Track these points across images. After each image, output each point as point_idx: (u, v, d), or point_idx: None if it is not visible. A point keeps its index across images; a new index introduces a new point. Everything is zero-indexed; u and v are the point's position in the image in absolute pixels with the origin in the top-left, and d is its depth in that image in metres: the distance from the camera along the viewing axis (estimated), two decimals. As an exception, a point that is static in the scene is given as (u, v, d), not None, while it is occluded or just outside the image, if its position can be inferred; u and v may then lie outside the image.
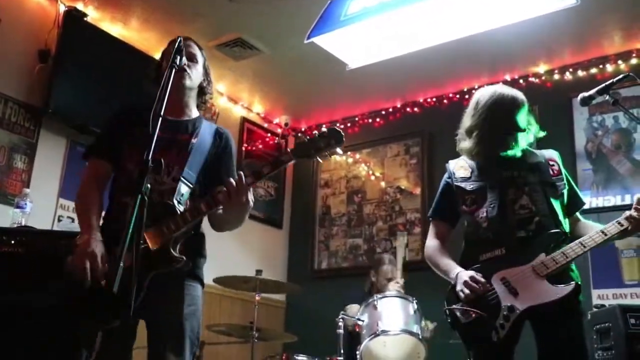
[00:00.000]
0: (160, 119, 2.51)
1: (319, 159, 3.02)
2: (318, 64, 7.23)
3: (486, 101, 3.81)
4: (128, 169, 3.16)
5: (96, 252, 2.93)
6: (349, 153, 8.48)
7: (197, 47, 3.50)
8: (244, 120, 8.42)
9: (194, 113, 3.45)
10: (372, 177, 8.26)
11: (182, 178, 3.15)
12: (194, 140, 3.29)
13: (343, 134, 2.99)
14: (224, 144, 3.42)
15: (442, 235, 3.91)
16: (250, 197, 3.00)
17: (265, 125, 8.67)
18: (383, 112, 8.27)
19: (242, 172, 3.01)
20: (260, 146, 8.48)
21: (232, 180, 3.00)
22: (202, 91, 3.49)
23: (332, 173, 8.63)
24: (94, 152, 3.33)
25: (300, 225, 8.63)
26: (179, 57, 2.85)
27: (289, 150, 3.01)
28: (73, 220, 5.87)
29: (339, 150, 3.20)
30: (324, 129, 2.98)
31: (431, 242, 3.91)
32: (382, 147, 8.29)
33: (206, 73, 3.51)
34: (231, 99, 8.23)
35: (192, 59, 3.40)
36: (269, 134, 8.65)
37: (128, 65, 6.29)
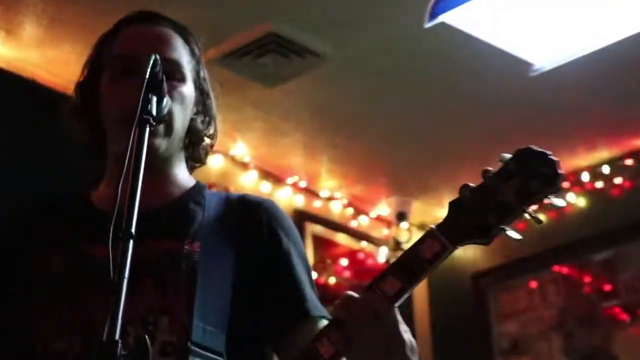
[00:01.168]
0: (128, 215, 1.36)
1: (514, 235, 1.44)
2: (463, 71, 4.46)
3: None
4: (48, 350, 1.67)
5: None
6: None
7: (180, 36, 1.82)
8: (300, 215, 5.35)
9: (185, 180, 1.83)
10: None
11: (192, 347, 1.59)
12: (196, 249, 1.69)
13: (558, 165, 1.43)
14: (266, 229, 1.76)
15: None
16: (403, 325, 1.48)
17: (352, 222, 5.66)
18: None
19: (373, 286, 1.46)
20: (347, 272, 5.58)
21: (350, 295, 1.47)
22: (195, 134, 1.83)
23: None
24: None
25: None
26: (149, 94, 1.51)
27: (435, 229, 1.44)
28: None
29: (556, 201, 1.44)
30: (505, 155, 1.44)
31: None
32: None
33: (202, 93, 1.84)
34: (264, 171, 5.18)
35: (173, 73, 1.73)
36: (362, 242, 5.71)
37: (19, 108, 4.07)
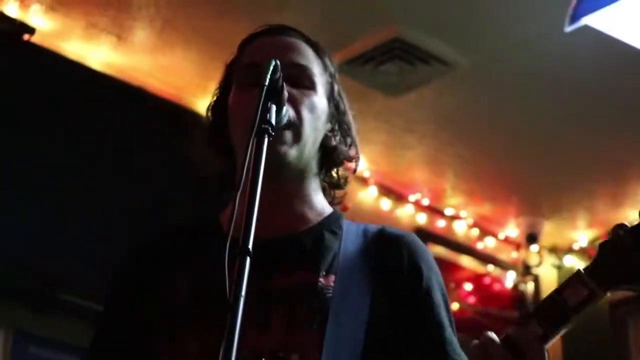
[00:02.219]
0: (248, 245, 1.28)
1: None
2: (606, 78, 4.23)
3: None
4: None
5: None
6: None
7: (311, 48, 1.74)
8: (422, 235, 4.90)
9: (322, 206, 1.74)
10: None
11: None
12: (330, 283, 1.63)
13: None
14: (406, 265, 1.66)
15: None
16: None
17: (478, 243, 5.49)
18: None
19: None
20: (471, 297, 5.52)
21: (491, 339, 1.38)
22: (331, 153, 1.72)
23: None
24: None
25: None
26: (268, 102, 1.45)
27: (582, 273, 1.36)
28: None
29: None
30: None
31: None
32: None
33: (337, 109, 1.73)
34: (384, 186, 5.12)
35: (302, 79, 1.66)
36: (488, 266, 5.55)
37: (130, 118, 4.01)
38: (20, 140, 3.67)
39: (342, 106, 1.71)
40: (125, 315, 1.70)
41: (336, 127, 1.69)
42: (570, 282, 1.36)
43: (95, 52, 3.89)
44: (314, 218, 1.67)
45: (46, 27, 3.73)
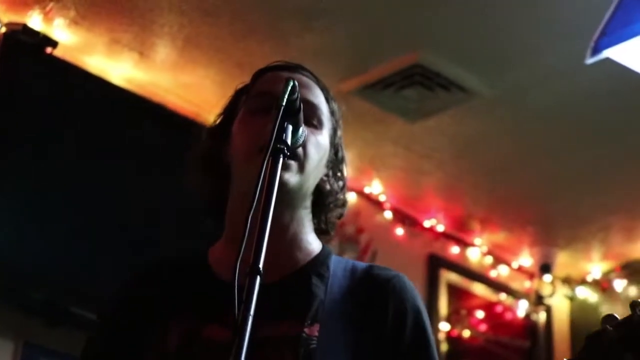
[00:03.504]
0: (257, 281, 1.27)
1: None
2: (628, 113, 4.15)
3: None
4: None
5: None
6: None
7: (320, 88, 1.73)
8: (436, 261, 5.23)
9: (309, 248, 1.70)
10: None
11: None
12: (315, 332, 1.59)
13: None
14: (391, 314, 1.63)
15: None
16: None
17: (492, 271, 5.42)
18: None
19: None
20: (483, 325, 5.37)
21: None
22: (325, 197, 1.72)
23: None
24: None
25: None
26: (285, 122, 1.44)
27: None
28: None
29: None
30: None
31: None
32: None
33: (337, 155, 1.75)
34: (399, 212, 5.05)
35: (311, 117, 1.65)
36: (500, 294, 5.48)
37: (149, 134, 4.03)
38: (40, 153, 3.65)
39: (340, 153, 1.73)
40: (125, 334, 1.67)
41: (331, 173, 1.69)
42: None
43: (117, 67, 3.86)
44: (302, 259, 1.65)
45: (69, 41, 3.71)
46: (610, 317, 1.22)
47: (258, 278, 1.22)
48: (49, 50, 3.69)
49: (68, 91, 3.77)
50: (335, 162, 1.70)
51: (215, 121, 1.73)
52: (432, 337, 1.63)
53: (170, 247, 3.29)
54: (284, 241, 1.63)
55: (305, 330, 1.55)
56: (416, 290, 1.67)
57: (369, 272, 1.65)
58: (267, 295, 1.36)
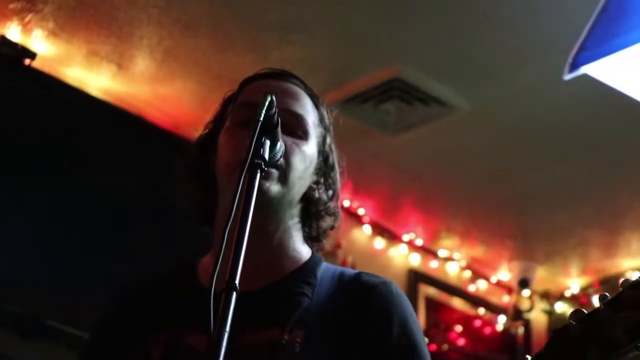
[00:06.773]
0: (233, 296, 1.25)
1: None
2: (606, 129, 4.18)
3: None
4: None
5: None
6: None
7: (310, 98, 1.72)
8: (415, 276, 5.26)
9: (296, 257, 1.69)
10: None
11: None
12: (297, 338, 1.57)
13: None
14: (378, 320, 1.62)
15: None
16: None
17: (470, 286, 5.47)
18: None
19: None
20: (461, 340, 5.38)
21: None
22: (314, 205, 1.70)
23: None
24: None
25: None
26: (262, 137, 1.43)
27: None
28: None
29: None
30: (628, 279, 1.21)
31: None
32: None
33: (326, 162, 1.72)
34: (378, 226, 5.06)
35: (296, 128, 1.65)
36: (479, 309, 5.52)
37: (127, 146, 4.03)
38: (16, 165, 3.62)
39: (331, 160, 1.69)
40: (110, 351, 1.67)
41: (321, 180, 1.67)
42: None
43: (96, 79, 3.85)
44: (288, 266, 1.64)
45: (47, 53, 3.70)
46: (577, 312, 1.22)
47: (234, 294, 1.21)
48: (27, 61, 3.68)
49: (46, 103, 3.75)
50: (325, 169, 1.68)
51: (204, 131, 1.73)
52: (421, 343, 1.62)
53: (147, 258, 3.26)
54: (269, 250, 1.62)
55: (285, 336, 1.53)
56: (404, 296, 1.66)
57: (356, 278, 1.65)
58: (250, 303, 1.42)
